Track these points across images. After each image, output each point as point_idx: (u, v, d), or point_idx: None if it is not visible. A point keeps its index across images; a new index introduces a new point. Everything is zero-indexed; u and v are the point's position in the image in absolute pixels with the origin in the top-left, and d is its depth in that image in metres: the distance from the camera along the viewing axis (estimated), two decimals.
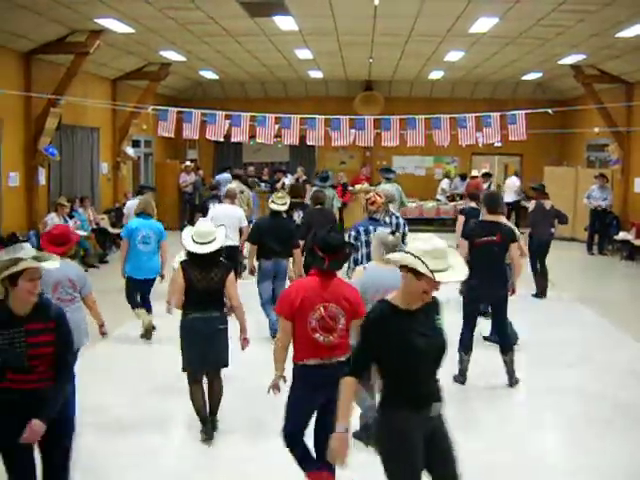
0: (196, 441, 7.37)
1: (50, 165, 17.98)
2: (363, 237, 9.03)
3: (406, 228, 10.05)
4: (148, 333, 11.12)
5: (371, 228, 8.92)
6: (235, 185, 15.39)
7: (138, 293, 11.37)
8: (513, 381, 9.12)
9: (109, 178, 22.50)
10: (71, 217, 17.33)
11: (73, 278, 7.37)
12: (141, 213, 11.28)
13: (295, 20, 15.44)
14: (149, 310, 11.26)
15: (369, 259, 8.49)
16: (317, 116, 16.60)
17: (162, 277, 11.37)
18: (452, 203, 23.85)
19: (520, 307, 11.09)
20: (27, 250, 4.99)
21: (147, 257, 11.10)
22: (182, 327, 7.45)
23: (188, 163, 26.02)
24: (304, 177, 24.84)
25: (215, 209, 13.19)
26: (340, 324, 5.84)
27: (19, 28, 15.00)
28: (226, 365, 7.52)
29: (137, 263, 11.16)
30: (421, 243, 4.51)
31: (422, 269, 4.39)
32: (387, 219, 9.96)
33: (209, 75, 25.14)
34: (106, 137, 22.00)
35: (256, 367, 8.24)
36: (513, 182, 24.16)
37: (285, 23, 15.73)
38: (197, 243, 7.29)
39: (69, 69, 16.97)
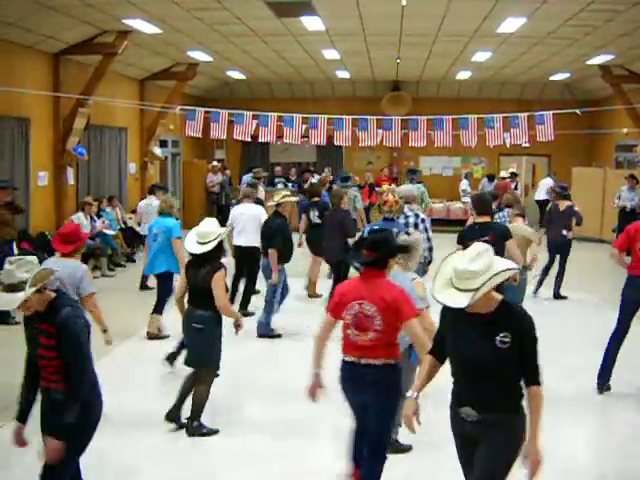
0: (220, 439, 7.44)
1: (78, 165, 18.11)
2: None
3: (428, 227, 10.05)
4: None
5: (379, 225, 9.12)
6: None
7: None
8: None
9: (137, 178, 22.61)
10: (99, 216, 17.42)
11: (63, 277, 7.15)
12: (161, 212, 11.38)
13: (322, 20, 15.44)
14: (156, 309, 11.25)
15: None
16: (344, 116, 16.58)
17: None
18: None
19: (541, 309, 10.99)
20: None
21: (156, 253, 11.16)
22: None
23: (215, 163, 26.11)
24: (331, 177, 24.85)
25: (235, 209, 13.18)
26: (376, 325, 5.67)
27: (48, 29, 15.10)
28: (200, 365, 7.51)
29: (148, 259, 11.40)
30: (460, 261, 4.53)
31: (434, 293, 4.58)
32: (402, 219, 10.02)
33: (236, 75, 25.20)
34: (134, 137, 22.12)
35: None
36: (547, 182, 23.98)
37: (312, 23, 15.73)
38: (197, 242, 7.38)
39: (97, 69, 17.08)
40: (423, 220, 10.31)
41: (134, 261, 18.06)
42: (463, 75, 24.20)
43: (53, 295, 5.07)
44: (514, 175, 21.95)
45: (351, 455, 6.10)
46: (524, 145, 17.67)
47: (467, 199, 23.79)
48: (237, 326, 7.60)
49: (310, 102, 25.97)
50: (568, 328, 12.02)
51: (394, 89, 26.79)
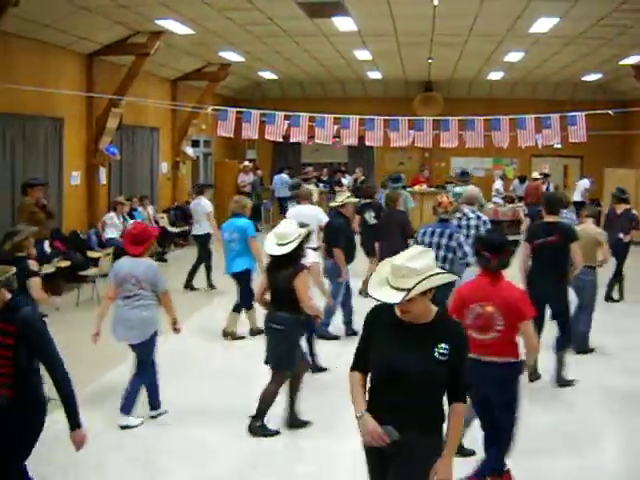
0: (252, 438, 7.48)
1: (111, 165, 18.23)
2: (427, 238, 9.19)
3: (489, 229, 10.09)
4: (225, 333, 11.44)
5: (438, 230, 9.33)
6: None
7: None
8: (555, 379, 9.15)
9: (169, 178, 22.74)
10: (131, 216, 17.53)
11: (139, 276, 7.65)
12: (234, 213, 11.49)
13: (354, 21, 15.44)
14: (244, 306, 11.41)
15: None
16: (376, 117, 16.56)
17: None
18: (510, 205, 23.63)
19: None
20: None
21: (233, 254, 11.29)
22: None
23: (247, 163, 26.20)
24: (362, 177, 24.85)
25: (294, 210, 13.15)
26: (498, 325, 5.85)
27: (82, 30, 15.22)
28: (278, 367, 7.53)
29: (226, 260, 11.50)
30: (398, 258, 4.34)
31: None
32: (464, 220, 10.05)
33: (268, 75, 25.26)
34: (166, 137, 22.24)
35: None
36: (583, 183, 23.79)
37: (344, 24, 15.74)
38: (276, 244, 7.39)
39: (130, 70, 17.20)
40: (485, 222, 10.33)
41: (166, 261, 18.17)
42: (495, 75, 24.10)
43: (9, 295, 5.01)
44: (546, 176, 21.81)
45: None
46: (556, 146, 17.58)
47: (499, 200, 23.70)
48: (316, 318, 7.91)
49: (342, 102, 25.93)
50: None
51: (426, 89, 26.70)
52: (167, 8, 14.14)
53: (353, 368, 4.58)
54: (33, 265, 8.01)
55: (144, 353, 7.84)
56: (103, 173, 17.92)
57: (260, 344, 7.91)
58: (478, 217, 10.38)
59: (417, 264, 4.22)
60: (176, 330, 8.00)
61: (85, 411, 7.35)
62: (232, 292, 11.71)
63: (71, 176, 16.54)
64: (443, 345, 4.25)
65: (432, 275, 4.22)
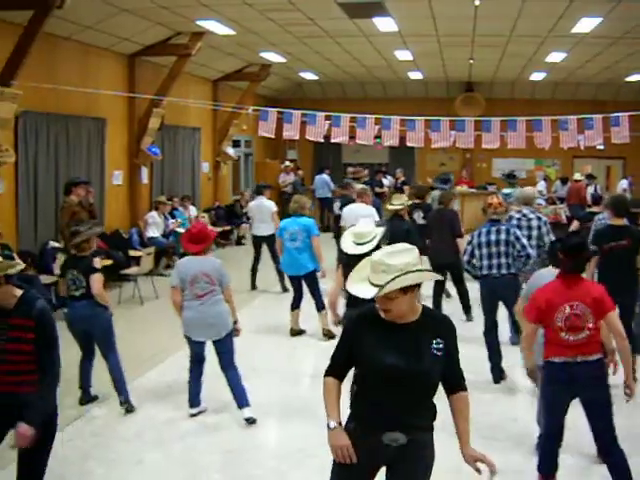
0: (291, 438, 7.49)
1: (152, 164, 18.38)
2: (483, 238, 9.17)
3: (549, 229, 10.04)
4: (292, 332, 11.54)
5: (493, 229, 9.23)
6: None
7: (297, 291, 11.60)
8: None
9: (210, 177, 22.86)
10: (172, 216, 17.65)
11: (209, 272, 7.75)
12: (294, 212, 11.53)
13: (395, 21, 15.42)
14: (318, 307, 11.40)
15: (489, 259, 9.06)
16: (417, 117, 16.51)
17: (323, 274, 11.55)
18: (552, 206, 23.44)
19: None
20: None
21: (296, 253, 11.30)
22: None
23: (287, 163, 26.29)
24: (403, 178, 24.77)
25: (348, 209, 13.15)
26: (589, 323, 5.83)
27: (124, 31, 15.36)
28: None
29: (287, 260, 11.52)
30: (377, 253, 4.24)
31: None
32: (524, 221, 10.03)
33: (308, 76, 25.30)
34: (207, 137, 22.37)
35: None
36: (622, 184, 23.56)
37: (384, 24, 15.72)
38: (354, 244, 7.40)
39: (171, 70, 17.33)
40: (545, 222, 10.30)
41: None
42: (537, 76, 23.91)
43: (19, 291, 5.04)
44: (591, 177, 21.61)
45: (547, 464, 6.12)
46: (598, 147, 17.40)
47: (541, 201, 23.52)
48: None
49: (382, 103, 25.86)
50: None
51: (467, 90, 26.61)
52: (208, 9, 14.22)
53: (329, 374, 4.39)
54: (96, 262, 8.11)
55: (229, 345, 7.89)
56: (145, 173, 18.08)
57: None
58: (538, 217, 10.32)
59: (396, 260, 4.09)
60: (236, 331, 8.00)
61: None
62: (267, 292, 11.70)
63: (113, 175, 16.70)
64: (438, 340, 4.18)
65: (409, 272, 4.07)
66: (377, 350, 4.15)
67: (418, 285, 4.16)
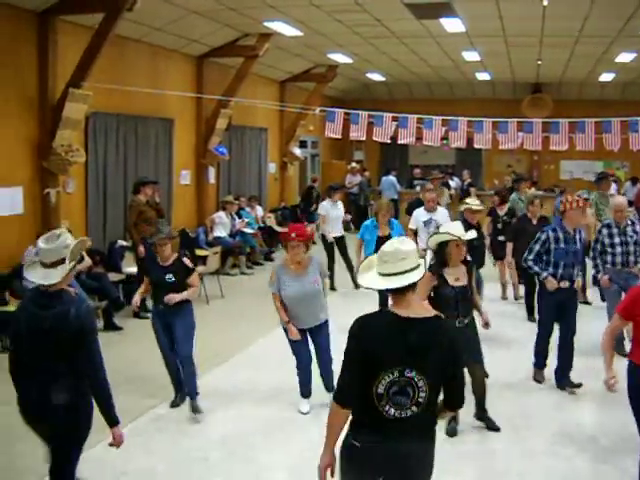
0: None
1: (219, 164, 18.54)
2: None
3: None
4: None
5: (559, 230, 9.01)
6: None
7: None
8: None
9: (276, 178, 22.99)
10: (239, 216, 17.79)
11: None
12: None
13: (462, 21, 15.32)
14: None
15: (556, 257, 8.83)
16: (484, 119, 16.39)
17: None
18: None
19: None
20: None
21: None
22: None
23: (354, 164, 26.27)
24: (469, 180, 24.63)
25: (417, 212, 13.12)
26: None
27: (193, 33, 15.53)
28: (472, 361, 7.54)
29: None
30: (386, 246, 4.25)
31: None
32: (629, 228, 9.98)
33: (375, 77, 25.27)
34: (274, 137, 22.51)
35: None
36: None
37: (452, 25, 15.63)
38: None
39: (239, 71, 17.47)
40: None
41: (272, 260, 18.32)
42: (606, 77, 23.53)
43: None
44: None
45: None
46: None
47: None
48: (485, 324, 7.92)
49: (450, 104, 25.67)
50: None
51: (535, 91, 26.31)
52: (276, 10, 14.30)
53: (345, 404, 4.15)
54: (187, 262, 8.30)
55: (327, 332, 8.23)
56: (212, 172, 18.27)
57: None
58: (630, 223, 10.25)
59: (408, 247, 4.18)
60: None
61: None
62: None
63: (181, 175, 16.89)
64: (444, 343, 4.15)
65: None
66: (388, 357, 4.15)
67: None
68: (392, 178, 24.91)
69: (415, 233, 12.45)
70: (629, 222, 10.23)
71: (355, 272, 11.13)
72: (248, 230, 17.76)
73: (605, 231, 10.13)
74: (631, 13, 14.00)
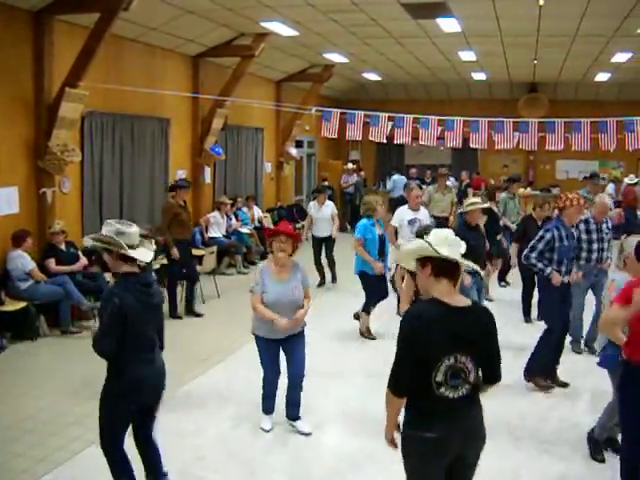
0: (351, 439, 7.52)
1: (215, 164, 18.53)
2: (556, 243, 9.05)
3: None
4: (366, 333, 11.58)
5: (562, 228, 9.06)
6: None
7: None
8: None
9: (272, 177, 22.99)
10: (235, 216, 17.80)
11: None
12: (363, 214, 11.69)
13: (458, 21, 15.32)
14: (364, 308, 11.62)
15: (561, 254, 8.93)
16: (480, 119, 16.42)
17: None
18: (617, 209, 23.14)
19: None
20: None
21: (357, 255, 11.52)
22: None
23: (350, 165, 26.30)
24: (468, 181, 24.62)
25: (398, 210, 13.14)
26: None
27: (189, 33, 15.51)
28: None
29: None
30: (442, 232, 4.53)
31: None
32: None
33: (371, 77, 25.27)
34: (270, 137, 22.50)
35: None
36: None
37: (448, 25, 15.62)
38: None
39: (235, 71, 17.45)
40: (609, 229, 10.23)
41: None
42: (602, 77, 23.56)
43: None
44: None
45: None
46: None
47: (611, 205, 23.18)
48: None
49: (446, 104, 25.77)
50: None
51: (531, 91, 26.38)
52: (272, 10, 14.29)
53: (402, 393, 4.39)
54: None
55: (303, 342, 7.87)
56: (208, 172, 18.25)
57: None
58: (605, 221, 10.28)
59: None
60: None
61: (187, 406, 7.56)
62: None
63: (177, 175, 16.85)
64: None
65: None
66: (440, 347, 4.34)
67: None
68: (403, 177, 24.66)
69: (396, 231, 12.52)
70: (604, 219, 10.34)
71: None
72: (244, 230, 17.78)
73: (583, 226, 10.18)
74: (627, 13, 14.02)
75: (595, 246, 10.16)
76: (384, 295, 11.45)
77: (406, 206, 12.76)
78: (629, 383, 5.79)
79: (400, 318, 4.46)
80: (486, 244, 11.18)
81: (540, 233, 9.18)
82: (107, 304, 5.34)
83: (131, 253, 5.38)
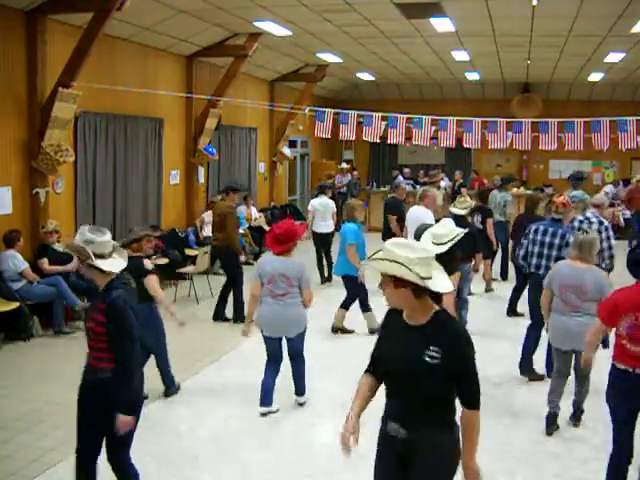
0: None
1: (209, 164, 18.52)
2: (539, 237, 9.19)
3: (610, 235, 9.89)
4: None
5: (550, 229, 9.20)
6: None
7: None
8: None
9: (266, 177, 22.98)
10: None
11: (288, 274, 7.86)
12: (346, 217, 11.72)
13: (452, 21, 15.33)
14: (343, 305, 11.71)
15: (539, 258, 9.16)
16: (474, 118, 16.44)
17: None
18: (611, 209, 23.14)
19: None
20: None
21: (340, 257, 11.60)
22: None
23: (344, 165, 26.32)
24: (461, 181, 24.61)
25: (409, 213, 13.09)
26: None
27: (182, 33, 15.50)
28: None
29: (336, 261, 12.09)
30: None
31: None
32: (586, 224, 9.94)
33: (365, 77, 25.28)
34: (263, 137, 22.49)
35: None
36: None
37: (441, 24, 15.62)
38: (433, 243, 7.38)
39: (228, 71, 17.46)
40: (607, 228, 10.11)
41: None
42: (595, 77, 23.58)
43: (108, 278, 5.30)
44: None
45: None
46: None
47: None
48: None
49: (439, 104, 25.77)
50: None
51: (524, 91, 26.40)
52: (265, 10, 14.29)
53: (366, 370, 4.49)
54: (148, 264, 8.22)
55: (300, 344, 8.16)
56: (202, 172, 18.23)
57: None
58: (600, 222, 10.13)
59: (400, 251, 4.01)
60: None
61: (180, 405, 7.56)
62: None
63: (170, 175, 16.86)
64: (433, 348, 4.01)
65: (396, 262, 4.00)
66: (385, 348, 4.33)
67: (418, 286, 4.03)
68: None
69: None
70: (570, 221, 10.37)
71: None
72: (240, 231, 17.76)
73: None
74: (620, 13, 14.04)
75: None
76: (366, 293, 11.44)
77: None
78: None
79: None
80: (476, 242, 11.20)
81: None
82: (122, 312, 5.20)
83: (98, 264, 5.16)
